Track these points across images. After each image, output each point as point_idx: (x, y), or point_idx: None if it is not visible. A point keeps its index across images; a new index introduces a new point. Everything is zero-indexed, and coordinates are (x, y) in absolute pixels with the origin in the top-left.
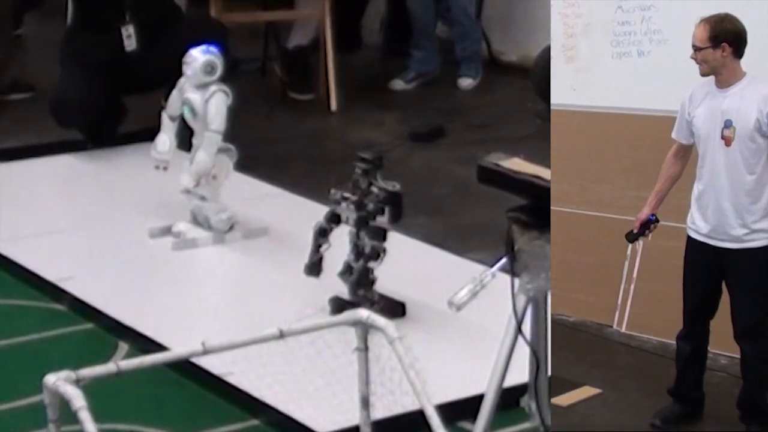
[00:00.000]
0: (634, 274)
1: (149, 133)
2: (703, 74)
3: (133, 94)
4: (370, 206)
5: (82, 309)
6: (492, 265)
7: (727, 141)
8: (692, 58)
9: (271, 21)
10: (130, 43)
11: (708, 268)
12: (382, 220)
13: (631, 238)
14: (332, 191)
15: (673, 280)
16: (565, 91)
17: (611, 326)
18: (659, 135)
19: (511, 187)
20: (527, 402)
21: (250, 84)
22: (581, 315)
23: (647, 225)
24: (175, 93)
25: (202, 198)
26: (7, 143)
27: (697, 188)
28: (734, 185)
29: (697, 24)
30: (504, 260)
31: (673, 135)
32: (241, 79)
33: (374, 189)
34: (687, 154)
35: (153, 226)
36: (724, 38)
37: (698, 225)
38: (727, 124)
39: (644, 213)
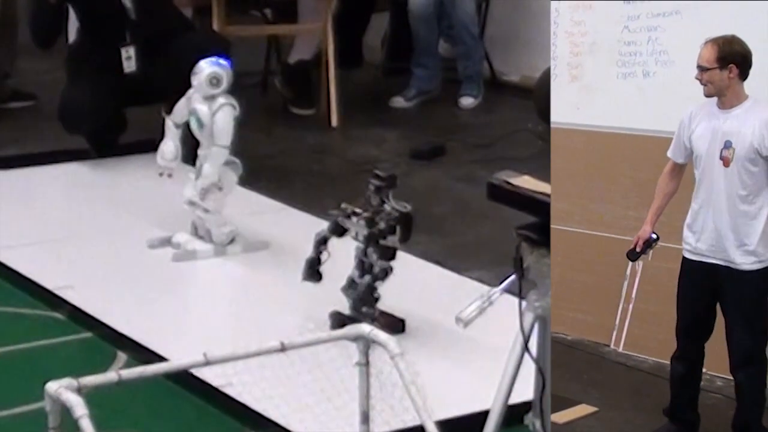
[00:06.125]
0: (633, 294)
1: (151, 144)
2: (708, 95)
3: (135, 106)
4: (382, 225)
5: (81, 318)
6: (499, 283)
7: (726, 162)
8: (697, 78)
9: (273, 35)
10: (129, 65)
11: (700, 291)
12: (393, 239)
13: (634, 256)
14: (343, 205)
15: (671, 300)
16: (569, 109)
17: (608, 345)
18: (661, 156)
19: (521, 204)
20: (531, 419)
21: (251, 98)
22: (579, 334)
23: (649, 243)
24: (183, 101)
25: (206, 210)
26: (8, 151)
27: (692, 207)
28: (731, 206)
29: (704, 44)
30: (513, 277)
31: (669, 153)
32: (242, 93)
33: (386, 207)
34: (681, 171)
35: (153, 237)
36: (732, 59)
37: (693, 244)
38: (727, 145)
39: (646, 231)
